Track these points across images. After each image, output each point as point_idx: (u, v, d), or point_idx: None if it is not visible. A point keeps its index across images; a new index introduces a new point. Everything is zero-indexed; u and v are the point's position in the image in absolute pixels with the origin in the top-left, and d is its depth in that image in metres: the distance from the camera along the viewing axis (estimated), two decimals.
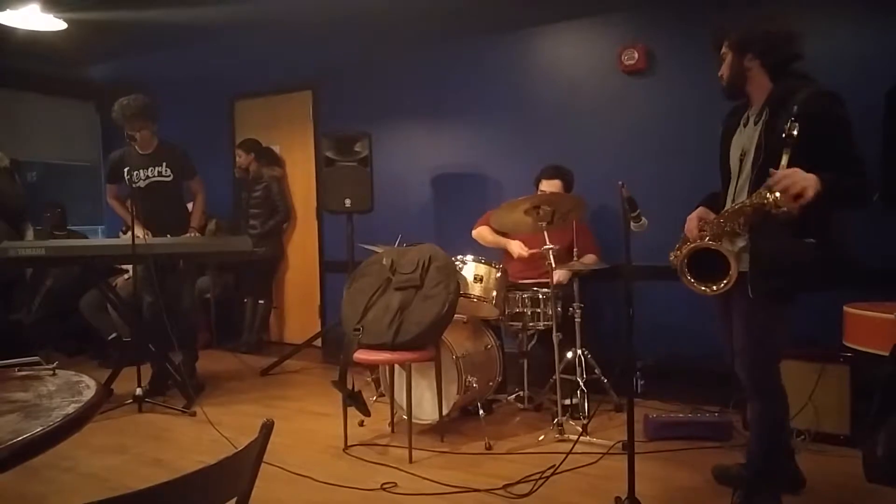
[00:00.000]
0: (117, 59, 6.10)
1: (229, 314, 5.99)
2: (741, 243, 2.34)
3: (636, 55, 4.30)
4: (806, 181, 2.03)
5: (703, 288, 2.38)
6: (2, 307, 4.62)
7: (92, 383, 1.39)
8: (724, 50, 2.45)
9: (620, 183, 2.55)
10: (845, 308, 3.18)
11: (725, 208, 2.43)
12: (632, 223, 2.64)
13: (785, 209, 2.06)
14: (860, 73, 3.58)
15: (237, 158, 5.75)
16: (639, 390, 3.83)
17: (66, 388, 1.35)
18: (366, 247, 4.17)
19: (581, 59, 4.60)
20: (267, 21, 5.00)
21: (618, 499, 2.46)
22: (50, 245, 4.05)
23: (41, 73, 6.29)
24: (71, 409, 1.18)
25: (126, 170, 4.31)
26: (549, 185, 4.06)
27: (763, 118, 2.32)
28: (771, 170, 2.10)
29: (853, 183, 2.15)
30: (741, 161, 2.43)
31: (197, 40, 5.43)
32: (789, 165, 2.08)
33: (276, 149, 6.04)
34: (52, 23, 4.50)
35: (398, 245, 3.89)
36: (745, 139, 2.42)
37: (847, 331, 3.18)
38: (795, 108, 2.15)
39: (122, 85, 6.65)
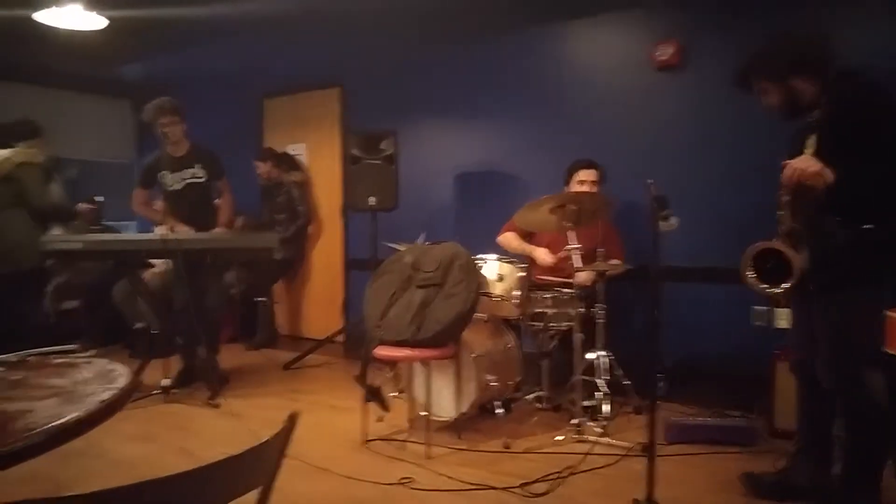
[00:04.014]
0: (151, 59, 6.22)
1: (253, 310, 6.08)
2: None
3: (670, 50, 4.23)
4: (801, 163, 2.14)
5: (768, 289, 2.39)
6: (38, 299, 4.74)
7: (125, 371, 1.45)
8: (762, 85, 2.48)
9: (650, 181, 2.54)
10: (888, 313, 3.11)
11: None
12: (661, 223, 2.62)
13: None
14: None
15: (257, 170, 5.86)
16: (660, 392, 3.82)
17: (101, 376, 1.40)
18: (389, 245, 4.21)
19: (612, 54, 4.55)
20: (296, 19, 5.05)
21: (636, 501, 2.46)
22: (86, 239, 4.17)
23: (79, 72, 6.45)
24: (105, 395, 1.23)
25: (161, 173, 4.44)
26: (587, 175, 4.05)
27: (818, 119, 2.36)
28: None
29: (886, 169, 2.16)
30: None
31: (227, 38, 5.51)
32: (817, 151, 2.11)
33: (302, 146, 6.12)
34: (94, 20, 4.60)
35: (421, 243, 3.92)
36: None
37: (889, 336, 3.10)
38: (828, 97, 2.19)
39: (155, 83, 6.81)
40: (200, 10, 4.75)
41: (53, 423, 1.06)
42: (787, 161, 2.27)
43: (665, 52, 4.25)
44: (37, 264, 4.33)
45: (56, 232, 4.48)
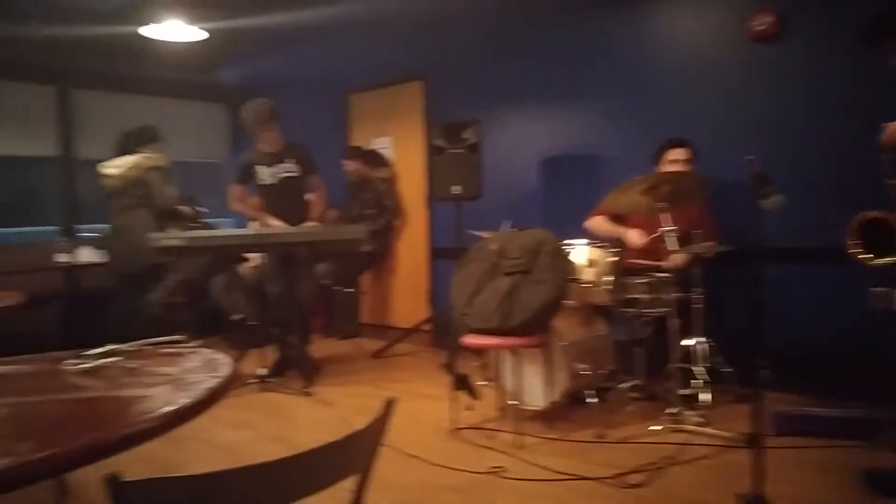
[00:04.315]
0: (243, 63, 6.49)
1: (340, 301, 6.23)
2: None
3: (767, 20, 3.99)
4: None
5: (872, 260, 2.25)
6: (142, 292, 5.04)
7: (227, 360, 1.50)
8: (890, 45, 2.33)
9: (751, 158, 2.40)
10: None
11: None
12: (763, 201, 2.48)
13: None
14: None
15: (346, 168, 5.97)
16: (765, 380, 3.62)
17: (206, 365, 1.46)
18: (474, 233, 4.20)
19: (703, 27, 4.34)
20: (380, 17, 5.13)
21: (740, 495, 2.34)
22: (189, 235, 4.39)
23: (179, 79, 6.83)
24: (211, 383, 1.28)
25: (256, 168, 4.61)
26: (679, 154, 3.91)
27: None
28: None
29: None
30: None
31: (314, 40, 5.65)
32: None
33: (388, 140, 6.21)
34: (194, 33, 4.85)
35: (506, 230, 3.88)
36: None
37: None
38: None
39: (249, 86, 7.08)
40: (289, 17, 4.93)
41: (167, 409, 1.11)
42: (886, 123, 2.20)
43: (762, 22, 4.03)
44: (157, 261, 4.63)
45: (171, 230, 4.76)
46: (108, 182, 4.74)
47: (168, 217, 4.78)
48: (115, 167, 4.72)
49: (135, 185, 4.68)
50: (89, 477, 1.00)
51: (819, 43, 3.89)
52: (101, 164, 4.81)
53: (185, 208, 5.73)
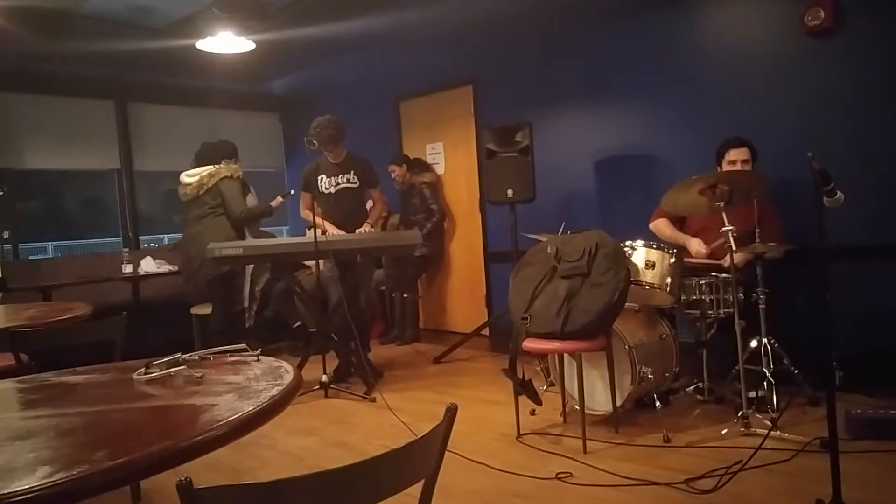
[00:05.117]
0: (294, 73, 6.63)
1: (398, 306, 6.27)
2: None
3: (822, 14, 3.88)
4: None
5: None
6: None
7: (290, 368, 1.52)
8: None
9: (811, 154, 2.32)
10: None
11: None
12: (825, 198, 2.39)
13: None
14: None
15: (392, 174, 6.04)
16: (837, 382, 3.46)
17: (270, 373, 1.48)
18: (529, 236, 4.17)
19: (756, 23, 4.24)
20: (428, 24, 5.17)
21: (819, 501, 2.24)
22: (247, 244, 4.50)
23: (233, 90, 7.02)
24: (275, 391, 1.30)
25: (319, 178, 4.70)
26: (738, 154, 3.80)
27: None
28: None
29: None
30: None
31: (362, 48, 5.73)
32: None
33: (440, 145, 6.25)
34: (243, 45, 5.00)
35: (562, 233, 3.84)
36: None
37: None
38: None
39: (300, 95, 7.24)
40: (338, 26, 5.02)
41: (235, 416, 1.13)
42: None
43: (816, 17, 3.93)
44: (224, 270, 4.77)
45: (249, 241, 4.90)
46: (184, 191, 4.91)
47: (246, 225, 4.91)
48: (191, 176, 4.90)
49: (210, 194, 4.84)
50: (161, 483, 1.03)
51: (874, 35, 3.75)
52: (181, 173, 5.00)
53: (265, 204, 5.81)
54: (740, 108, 4.27)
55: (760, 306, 3.43)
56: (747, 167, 3.79)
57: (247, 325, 5.58)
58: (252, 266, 5.36)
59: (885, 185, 3.71)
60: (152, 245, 7.16)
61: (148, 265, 5.84)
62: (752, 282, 3.49)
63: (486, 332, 5.56)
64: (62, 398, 1.47)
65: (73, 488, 0.91)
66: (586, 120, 5.17)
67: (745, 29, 4.30)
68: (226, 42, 4.91)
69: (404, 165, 6.08)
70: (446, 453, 1.20)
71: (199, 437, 1.06)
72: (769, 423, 3.13)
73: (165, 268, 5.85)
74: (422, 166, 6.20)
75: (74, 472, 0.92)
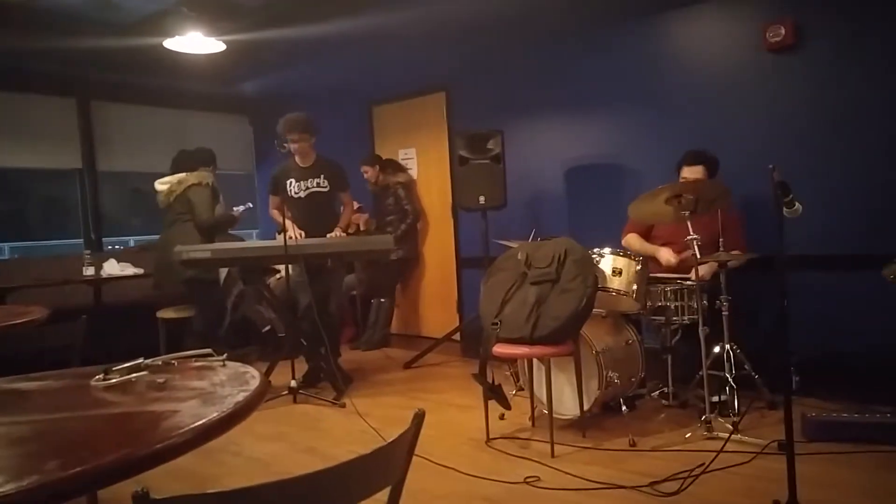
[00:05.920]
0: (266, 75, 6.56)
1: (368, 311, 6.26)
2: None
3: (783, 31, 3.99)
4: None
5: None
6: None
7: (257, 374, 1.51)
8: None
9: (771, 167, 2.39)
10: None
11: None
12: (785, 209, 2.47)
13: None
14: None
15: (364, 174, 6.02)
16: (794, 387, 3.56)
17: (235, 378, 1.47)
18: (500, 242, 4.20)
19: (720, 39, 4.33)
20: (401, 29, 5.16)
21: (776, 502, 2.30)
22: (215, 248, 4.44)
23: (202, 91, 6.92)
24: (240, 397, 1.29)
25: (288, 182, 4.66)
26: (691, 172, 3.88)
27: None
28: None
29: None
30: None
31: (336, 51, 5.71)
32: None
33: (412, 150, 6.25)
34: (213, 45, 4.95)
35: (532, 239, 3.87)
36: None
37: None
38: None
39: (271, 98, 7.17)
40: (311, 29, 4.98)
41: (198, 423, 1.12)
42: None
43: (777, 33, 4.03)
44: (194, 276, 4.68)
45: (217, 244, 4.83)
46: (158, 198, 4.88)
47: (214, 232, 4.84)
48: (163, 184, 4.85)
49: (179, 201, 4.78)
50: (122, 493, 1.01)
51: (835, 52, 3.87)
52: (155, 181, 4.95)
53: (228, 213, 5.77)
54: (704, 121, 4.37)
55: (724, 313, 3.52)
56: None
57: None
58: (225, 275, 5.26)
59: (842, 197, 3.82)
60: (117, 247, 6.98)
61: (112, 268, 5.66)
62: (716, 289, 3.58)
63: (457, 337, 5.58)
64: (14, 406, 1.41)
65: (22, 500, 0.86)
66: (557, 129, 5.22)
67: (709, 44, 4.39)
68: (195, 42, 4.85)
69: (377, 166, 6.05)
70: (415, 458, 1.20)
71: (160, 445, 1.03)
72: (730, 426, 3.21)
73: (130, 270, 5.69)
74: (395, 167, 6.16)
75: (24, 483, 0.88)
